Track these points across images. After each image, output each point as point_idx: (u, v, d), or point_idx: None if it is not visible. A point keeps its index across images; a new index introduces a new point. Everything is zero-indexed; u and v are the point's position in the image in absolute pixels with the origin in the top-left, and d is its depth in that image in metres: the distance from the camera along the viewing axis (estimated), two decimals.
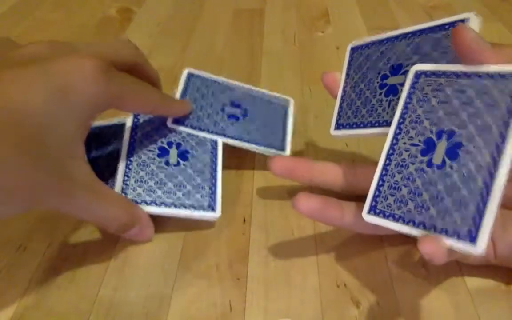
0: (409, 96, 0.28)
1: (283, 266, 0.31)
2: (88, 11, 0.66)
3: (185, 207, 0.31)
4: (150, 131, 0.35)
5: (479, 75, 0.26)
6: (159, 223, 0.34)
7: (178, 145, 0.34)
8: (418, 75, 0.28)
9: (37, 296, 0.29)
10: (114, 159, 0.33)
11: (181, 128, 0.35)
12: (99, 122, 0.36)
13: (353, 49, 0.35)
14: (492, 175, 0.23)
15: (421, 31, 0.30)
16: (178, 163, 0.33)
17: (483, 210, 0.23)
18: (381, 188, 0.27)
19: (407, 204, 0.26)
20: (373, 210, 0.27)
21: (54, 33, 0.60)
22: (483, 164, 0.24)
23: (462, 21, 0.28)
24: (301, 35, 0.59)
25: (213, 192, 0.33)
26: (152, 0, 0.69)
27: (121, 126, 0.35)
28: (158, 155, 0.33)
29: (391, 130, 0.28)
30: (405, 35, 0.31)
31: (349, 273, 0.30)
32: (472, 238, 0.23)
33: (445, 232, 0.24)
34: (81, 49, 0.29)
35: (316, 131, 0.43)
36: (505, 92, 0.24)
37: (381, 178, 0.28)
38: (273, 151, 0.37)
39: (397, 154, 0.27)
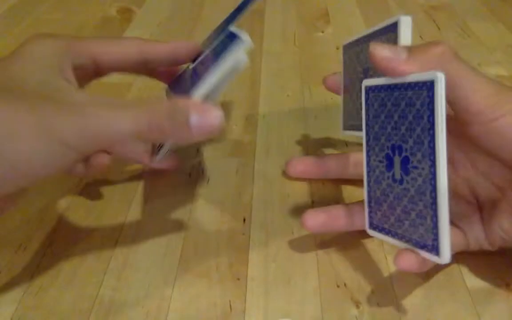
0: (367, 112, 0.28)
1: (283, 266, 0.31)
2: (88, 11, 0.66)
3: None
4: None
5: (404, 86, 0.26)
6: (159, 223, 0.34)
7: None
8: (367, 90, 0.28)
9: (37, 296, 0.29)
10: None
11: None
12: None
13: (345, 47, 0.35)
14: (434, 187, 0.24)
15: (376, 33, 0.30)
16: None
17: (436, 223, 0.24)
18: (371, 204, 0.29)
19: (389, 218, 0.27)
20: (371, 225, 0.29)
21: (54, 33, 0.60)
22: (426, 177, 0.24)
23: (395, 24, 0.28)
24: (301, 35, 0.59)
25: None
26: (152, 0, 0.69)
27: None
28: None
29: (363, 148, 0.29)
30: (368, 36, 0.31)
31: (349, 273, 0.30)
32: (436, 250, 0.24)
33: (418, 244, 0.25)
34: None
35: (316, 131, 0.43)
36: (424, 102, 0.24)
37: (369, 195, 0.29)
38: None
39: (372, 170, 0.28)
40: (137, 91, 0.48)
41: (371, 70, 0.31)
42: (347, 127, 0.34)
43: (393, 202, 0.27)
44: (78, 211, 0.34)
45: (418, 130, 0.25)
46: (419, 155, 0.25)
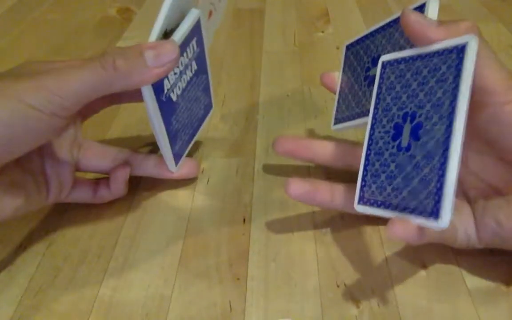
0: (379, 86, 0.29)
1: (283, 266, 0.31)
2: (88, 11, 0.66)
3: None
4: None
5: (429, 55, 0.26)
6: (159, 223, 0.34)
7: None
8: (384, 65, 0.29)
9: (37, 296, 0.29)
10: None
11: None
12: None
13: (348, 47, 0.36)
14: (447, 149, 0.24)
15: (393, 22, 0.31)
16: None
17: (442, 186, 0.23)
18: (366, 178, 0.29)
19: (386, 189, 0.27)
20: (361, 200, 0.28)
21: (53, 33, 0.60)
22: (439, 140, 0.24)
23: (423, 5, 0.28)
24: (301, 35, 0.59)
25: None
26: (152, 0, 0.69)
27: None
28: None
29: (369, 121, 0.29)
30: (381, 28, 0.32)
31: (349, 273, 0.30)
32: (436, 214, 0.23)
33: (415, 211, 0.25)
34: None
35: (316, 131, 0.43)
36: (452, 65, 0.25)
37: (365, 168, 0.29)
38: None
39: (375, 143, 0.29)
40: None
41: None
42: (337, 122, 0.35)
43: (394, 171, 0.27)
44: (78, 211, 0.34)
45: (440, 92, 0.25)
46: (435, 117, 0.25)
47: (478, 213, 0.28)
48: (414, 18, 0.26)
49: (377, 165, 0.28)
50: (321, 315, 0.28)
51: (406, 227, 0.24)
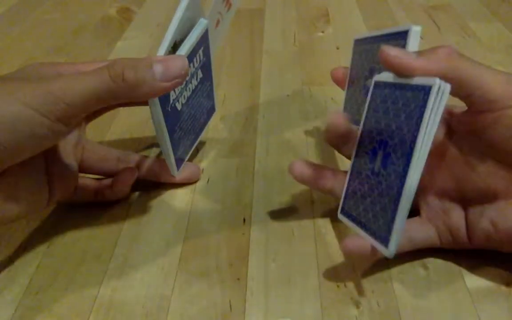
0: (369, 106, 0.30)
1: (283, 266, 0.31)
2: (88, 11, 0.66)
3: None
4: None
5: (406, 87, 0.26)
6: (159, 223, 0.34)
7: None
8: (375, 85, 0.29)
9: (37, 296, 0.29)
10: None
11: None
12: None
13: (355, 42, 0.36)
14: (402, 184, 0.25)
15: (397, 34, 0.31)
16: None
17: (394, 218, 0.25)
18: (348, 192, 0.30)
19: (359, 206, 0.29)
20: (343, 210, 0.30)
21: (54, 33, 0.60)
22: (398, 175, 0.25)
23: (406, 32, 0.29)
24: (301, 35, 0.59)
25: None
26: (152, 0, 0.69)
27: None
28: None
29: (357, 137, 0.30)
30: (385, 36, 0.32)
31: (349, 273, 0.30)
32: (386, 242, 0.25)
33: (374, 235, 0.27)
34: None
35: (316, 131, 0.43)
36: (418, 104, 0.25)
37: (349, 182, 0.30)
38: None
39: (358, 161, 0.30)
40: None
41: (376, 71, 0.31)
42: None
43: (366, 192, 0.28)
44: (78, 211, 0.34)
45: (405, 129, 0.26)
46: (399, 153, 0.26)
47: (473, 217, 0.28)
48: (394, 53, 0.26)
49: (356, 182, 0.30)
50: (321, 315, 0.28)
51: (357, 243, 0.27)
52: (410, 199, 0.25)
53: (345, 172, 0.32)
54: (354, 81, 0.35)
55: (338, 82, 0.37)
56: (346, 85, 0.36)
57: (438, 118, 0.24)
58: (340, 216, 0.30)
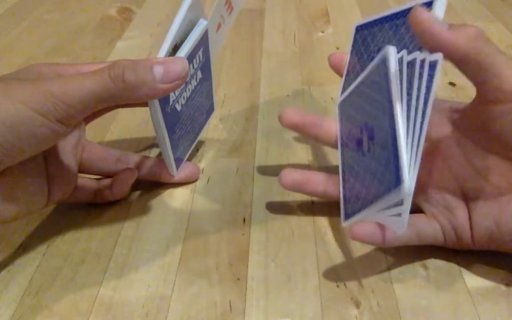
0: (346, 106, 0.33)
1: (283, 266, 0.31)
2: (88, 11, 0.66)
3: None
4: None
5: (366, 78, 0.29)
6: (159, 223, 0.34)
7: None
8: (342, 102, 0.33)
9: (37, 296, 0.29)
10: None
11: None
12: None
13: (357, 29, 0.35)
14: (394, 136, 0.25)
15: (404, 12, 0.30)
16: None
17: (398, 157, 0.24)
18: (345, 197, 0.31)
19: (361, 192, 0.28)
20: (346, 216, 0.30)
21: (53, 33, 0.60)
22: (387, 133, 0.26)
23: (430, 3, 0.28)
24: (301, 35, 0.59)
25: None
26: (152, 0, 0.69)
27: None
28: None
29: (338, 150, 0.33)
30: (391, 16, 0.31)
31: (349, 273, 0.30)
32: (398, 180, 0.24)
33: (385, 193, 0.25)
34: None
35: None
36: (382, 73, 0.27)
37: (343, 189, 0.32)
38: None
39: (345, 164, 0.32)
40: None
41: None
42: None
43: (364, 174, 0.28)
44: (78, 211, 0.34)
45: (380, 97, 0.27)
46: (382, 119, 0.27)
47: (476, 216, 0.28)
48: (425, 17, 0.26)
49: (351, 180, 0.30)
50: (321, 315, 0.28)
51: (365, 228, 0.27)
52: (403, 138, 0.25)
53: (336, 175, 0.32)
54: (354, 68, 0.34)
55: (335, 67, 0.36)
56: (345, 71, 0.35)
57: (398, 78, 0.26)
58: (346, 223, 0.30)
